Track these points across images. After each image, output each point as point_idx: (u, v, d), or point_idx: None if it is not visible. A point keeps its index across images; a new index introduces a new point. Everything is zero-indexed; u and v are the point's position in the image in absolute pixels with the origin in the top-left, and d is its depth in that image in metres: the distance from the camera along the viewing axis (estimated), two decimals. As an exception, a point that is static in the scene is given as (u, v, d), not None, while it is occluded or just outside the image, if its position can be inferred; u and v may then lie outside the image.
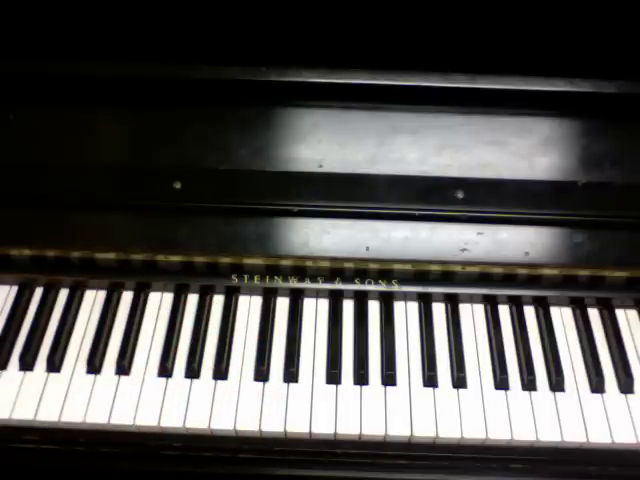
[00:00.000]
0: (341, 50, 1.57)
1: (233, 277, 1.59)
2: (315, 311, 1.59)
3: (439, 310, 1.60)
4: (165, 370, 1.50)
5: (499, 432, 1.44)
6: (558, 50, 1.58)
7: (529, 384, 1.49)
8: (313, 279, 1.59)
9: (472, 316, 1.59)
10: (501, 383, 1.49)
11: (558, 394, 1.49)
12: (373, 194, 1.56)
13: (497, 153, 1.60)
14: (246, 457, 1.46)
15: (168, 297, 1.61)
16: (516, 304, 1.60)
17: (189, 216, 1.56)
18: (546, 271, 1.56)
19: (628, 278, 1.57)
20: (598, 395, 1.49)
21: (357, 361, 1.52)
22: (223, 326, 1.56)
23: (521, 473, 1.46)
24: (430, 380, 1.49)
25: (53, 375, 1.50)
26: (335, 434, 1.43)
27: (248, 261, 1.56)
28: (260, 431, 1.44)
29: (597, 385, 1.49)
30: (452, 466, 1.46)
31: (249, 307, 1.60)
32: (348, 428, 1.44)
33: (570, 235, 1.56)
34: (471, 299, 1.60)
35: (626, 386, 1.49)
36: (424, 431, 1.44)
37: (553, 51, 1.58)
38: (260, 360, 1.51)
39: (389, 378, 1.49)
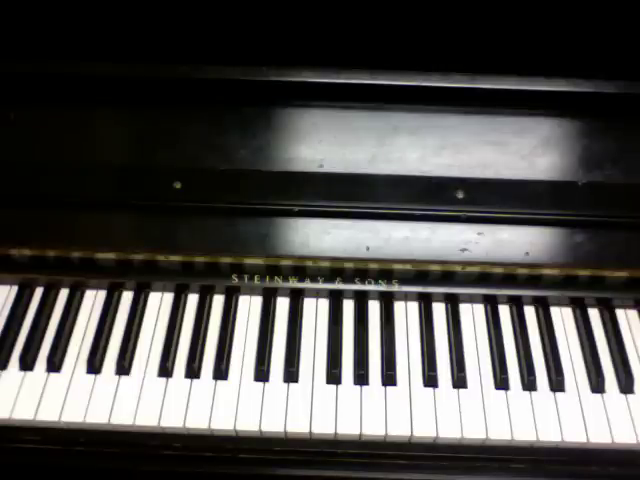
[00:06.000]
0: (342, 50, 1.57)
1: (233, 277, 1.59)
2: (315, 311, 1.59)
3: (439, 310, 1.60)
4: (165, 370, 1.50)
5: (499, 432, 1.44)
6: (558, 50, 1.58)
7: (529, 384, 1.49)
8: (313, 279, 1.59)
9: (472, 316, 1.59)
10: (501, 383, 1.49)
11: (558, 394, 1.49)
12: (373, 194, 1.56)
13: (497, 153, 1.60)
14: (246, 457, 1.46)
15: (168, 297, 1.61)
16: (516, 304, 1.60)
17: (189, 216, 1.56)
18: (546, 271, 1.56)
19: (628, 278, 1.57)
20: (598, 395, 1.49)
21: (357, 361, 1.52)
22: (223, 326, 1.56)
23: (521, 473, 1.46)
24: (430, 380, 1.49)
25: (53, 375, 1.50)
26: (335, 434, 1.43)
27: (248, 261, 1.56)
28: (260, 431, 1.44)
29: (597, 385, 1.49)
30: (452, 466, 1.46)
31: (249, 307, 1.60)
32: (348, 428, 1.44)
33: (570, 235, 1.56)
34: (471, 299, 1.60)
35: (626, 386, 1.49)
36: (424, 431, 1.44)
37: (553, 51, 1.58)
38: (260, 360, 1.51)
39: (389, 378, 1.49)
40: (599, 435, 1.44)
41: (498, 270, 1.56)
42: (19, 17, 1.58)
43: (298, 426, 1.44)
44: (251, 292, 1.61)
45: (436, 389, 1.49)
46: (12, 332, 1.55)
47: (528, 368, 1.50)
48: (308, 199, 1.56)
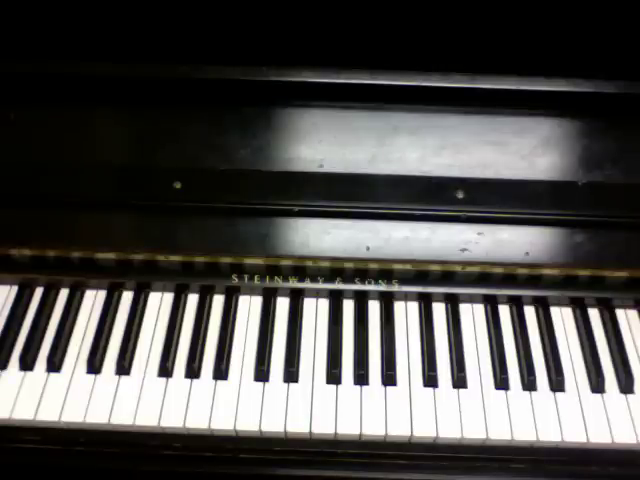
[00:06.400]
0: (342, 50, 1.57)
1: (233, 277, 1.59)
2: (315, 311, 1.59)
3: (439, 310, 1.60)
4: (165, 370, 1.50)
5: (499, 432, 1.44)
6: (558, 50, 1.58)
7: (529, 384, 1.49)
8: (313, 279, 1.59)
9: (472, 316, 1.59)
10: (501, 383, 1.49)
11: (558, 394, 1.49)
12: (373, 194, 1.56)
13: (497, 153, 1.60)
14: (246, 457, 1.46)
15: (168, 297, 1.61)
16: (516, 304, 1.60)
17: (189, 216, 1.56)
18: (546, 271, 1.56)
19: (628, 278, 1.57)
20: (598, 395, 1.49)
21: (357, 361, 1.51)
22: (223, 326, 1.56)
23: (521, 473, 1.46)
24: (430, 380, 1.49)
25: (53, 375, 1.50)
26: (335, 434, 1.43)
27: (248, 261, 1.56)
28: (260, 431, 1.44)
29: (597, 385, 1.49)
30: (452, 466, 1.46)
31: (249, 307, 1.60)
32: (348, 428, 1.44)
33: (570, 235, 1.56)
34: (471, 299, 1.60)
35: (626, 386, 1.49)
36: (424, 431, 1.44)
37: (553, 51, 1.58)
38: (260, 360, 1.51)
39: (389, 378, 1.49)
40: (599, 435, 1.44)
41: (498, 270, 1.56)
42: (19, 17, 1.58)
43: (298, 426, 1.44)
44: (251, 292, 1.61)
45: (436, 389, 1.49)
46: (12, 332, 1.55)
47: (528, 368, 1.50)
48: (308, 199, 1.56)
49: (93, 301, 1.60)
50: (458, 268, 1.56)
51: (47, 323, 1.57)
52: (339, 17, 1.56)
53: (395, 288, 1.59)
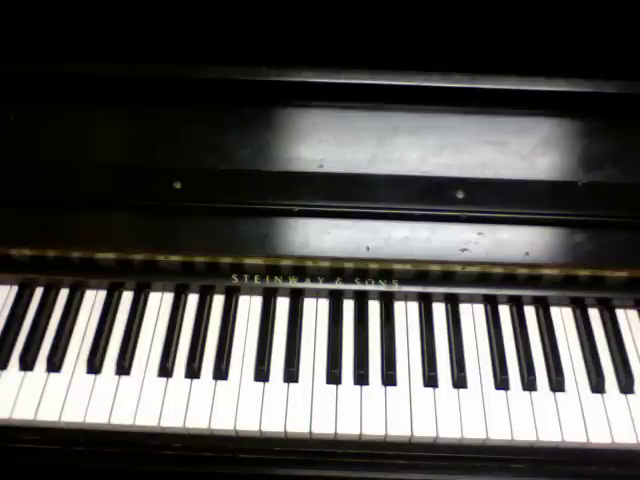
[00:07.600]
0: (342, 50, 1.57)
1: (233, 277, 1.59)
2: (315, 311, 1.59)
3: (439, 310, 1.60)
4: (165, 370, 1.50)
5: (499, 432, 1.44)
6: (558, 50, 1.58)
7: (529, 384, 1.49)
8: (313, 279, 1.59)
9: (472, 316, 1.59)
10: (501, 383, 1.49)
11: (558, 394, 1.49)
12: (373, 194, 1.56)
13: (497, 153, 1.60)
14: (246, 457, 1.46)
15: (168, 297, 1.61)
16: (516, 304, 1.60)
17: (189, 216, 1.56)
18: (546, 271, 1.56)
19: (628, 278, 1.57)
20: (598, 395, 1.49)
21: (357, 361, 1.51)
22: (223, 326, 1.56)
23: (521, 473, 1.46)
24: (430, 380, 1.49)
25: (53, 375, 1.50)
26: (335, 434, 1.43)
27: (248, 261, 1.57)
28: (260, 431, 1.44)
29: (597, 385, 1.49)
30: (452, 466, 1.46)
31: (249, 307, 1.60)
32: (348, 428, 1.44)
33: (570, 235, 1.56)
34: (471, 299, 1.60)
35: (626, 386, 1.49)
36: (424, 431, 1.44)
37: (553, 51, 1.58)
38: (260, 360, 1.51)
39: (389, 378, 1.49)
40: (599, 435, 1.44)
41: (498, 270, 1.56)
42: (19, 17, 1.58)
43: (298, 426, 1.44)
44: (251, 292, 1.61)
45: (436, 389, 1.49)
46: (12, 332, 1.55)
47: (528, 368, 1.50)
48: (308, 199, 1.56)
49: (93, 301, 1.60)
50: (458, 268, 1.56)
51: (47, 323, 1.57)
52: (339, 17, 1.56)
53: (395, 288, 1.59)
